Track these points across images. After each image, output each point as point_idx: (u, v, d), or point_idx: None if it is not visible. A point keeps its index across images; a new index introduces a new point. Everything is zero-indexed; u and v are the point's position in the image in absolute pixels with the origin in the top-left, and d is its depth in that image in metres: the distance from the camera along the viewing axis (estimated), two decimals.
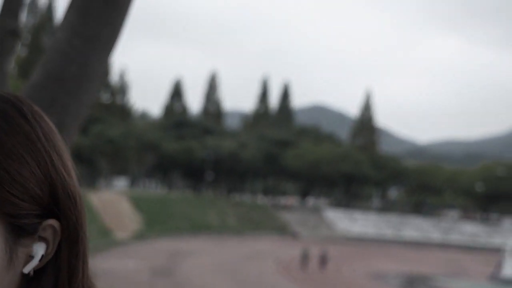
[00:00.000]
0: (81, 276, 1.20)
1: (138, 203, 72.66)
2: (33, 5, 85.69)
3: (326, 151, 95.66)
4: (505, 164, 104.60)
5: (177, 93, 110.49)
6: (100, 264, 37.25)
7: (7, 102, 1.18)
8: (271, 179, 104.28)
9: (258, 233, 77.19)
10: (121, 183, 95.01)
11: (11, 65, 3.47)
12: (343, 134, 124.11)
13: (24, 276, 1.16)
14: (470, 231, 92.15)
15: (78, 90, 2.78)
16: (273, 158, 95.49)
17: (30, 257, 1.16)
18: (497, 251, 66.89)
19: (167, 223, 70.61)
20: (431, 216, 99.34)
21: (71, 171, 1.23)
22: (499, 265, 54.03)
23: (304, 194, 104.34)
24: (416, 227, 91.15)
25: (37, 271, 1.17)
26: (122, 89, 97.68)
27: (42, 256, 1.17)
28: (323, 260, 50.89)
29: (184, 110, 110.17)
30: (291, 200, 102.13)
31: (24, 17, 79.92)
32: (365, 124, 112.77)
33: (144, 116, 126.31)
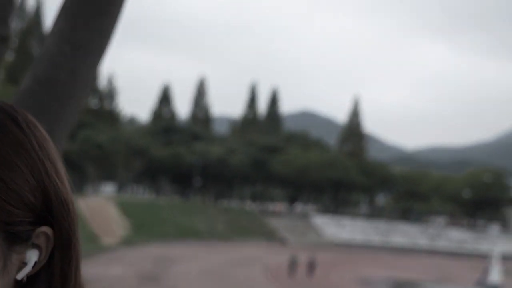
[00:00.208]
0: (74, 282, 1.23)
1: (125, 209, 72.42)
2: (21, 9, 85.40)
3: (314, 157, 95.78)
4: (492, 171, 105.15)
5: (165, 98, 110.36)
6: (87, 270, 36.96)
7: (2, 111, 1.21)
8: (259, 185, 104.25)
9: (246, 239, 77.10)
10: (108, 188, 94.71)
11: (0, 71, 3.47)
12: (331, 140, 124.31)
13: (18, 283, 1.18)
14: (457, 237, 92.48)
15: (68, 97, 2.79)
16: (261, 164, 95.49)
17: (24, 264, 1.19)
18: (484, 258, 67.14)
19: (155, 228, 70.40)
20: (419, 223, 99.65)
21: (64, 179, 1.25)
22: (485, 271, 54.20)
23: (292, 200, 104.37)
24: (403, 233, 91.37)
25: (30, 277, 1.19)
26: (110, 94, 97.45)
27: (35, 262, 1.19)
28: (311, 266, 50.88)
29: (172, 115, 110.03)
30: (279, 206, 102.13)
31: (12, 21, 79.58)
32: (353, 131, 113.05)
33: (132, 121, 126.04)
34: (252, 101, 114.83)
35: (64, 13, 2.81)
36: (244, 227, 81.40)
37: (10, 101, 3.12)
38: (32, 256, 1.19)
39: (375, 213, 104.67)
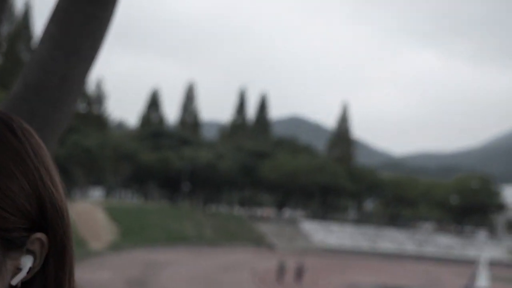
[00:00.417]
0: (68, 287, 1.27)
1: (113, 214, 72.16)
2: (9, 13, 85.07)
3: (303, 162, 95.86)
4: (479, 177, 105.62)
5: (154, 103, 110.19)
6: (75, 275, 36.87)
7: None
8: (248, 190, 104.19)
9: (235, 244, 77.02)
10: (96, 193, 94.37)
11: None
12: (320, 145, 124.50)
13: None
14: (444, 243, 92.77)
15: (58, 102, 2.79)
16: (250, 169, 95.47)
17: (18, 269, 1.22)
18: (471, 263, 67.34)
19: (143, 233, 70.19)
20: (407, 228, 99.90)
21: (59, 186, 1.29)
22: (473, 277, 54.36)
23: (280, 205, 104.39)
24: (391, 239, 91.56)
25: (25, 282, 1.23)
26: (98, 98, 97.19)
27: (30, 268, 1.23)
28: (299, 272, 50.88)
29: (161, 120, 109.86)
30: (268, 212, 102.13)
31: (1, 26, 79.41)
32: (341, 136, 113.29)
33: (120, 126, 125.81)
34: (241, 106, 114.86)
35: (55, 19, 2.81)
36: (233, 232, 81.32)
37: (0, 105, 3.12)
38: (27, 262, 1.22)
39: (363, 219, 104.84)
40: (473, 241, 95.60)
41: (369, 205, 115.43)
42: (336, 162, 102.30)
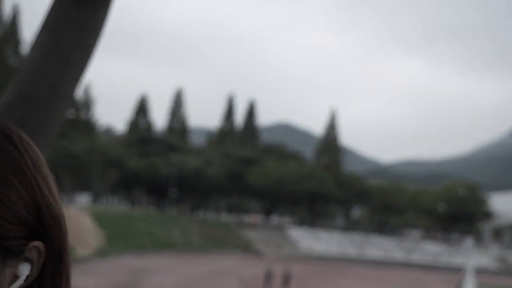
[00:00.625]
0: None
1: (100, 220, 71.87)
2: None
3: (291, 169, 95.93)
4: (466, 185, 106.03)
5: (142, 109, 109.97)
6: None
7: None
8: (236, 197, 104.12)
9: (222, 251, 76.90)
10: (83, 199, 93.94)
11: None
12: (308, 152, 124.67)
13: None
14: (432, 250, 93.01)
15: (49, 110, 2.78)
16: (238, 176, 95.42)
17: (16, 277, 1.26)
18: (458, 271, 67.55)
19: (129, 240, 69.93)
20: (394, 236, 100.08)
21: (56, 194, 1.34)
22: (459, 285, 54.52)
23: (268, 212, 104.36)
24: (379, 246, 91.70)
25: None
26: (86, 104, 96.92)
27: (27, 276, 1.26)
28: (287, 279, 50.83)
29: (148, 126, 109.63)
30: (255, 218, 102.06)
31: None
32: (329, 143, 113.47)
33: (108, 131, 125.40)
34: (229, 112, 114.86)
35: (47, 27, 2.80)
36: (220, 239, 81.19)
37: None
38: (24, 270, 1.25)
39: (351, 226, 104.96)
40: (460, 248, 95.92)
41: (357, 212, 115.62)
42: (324, 169, 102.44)
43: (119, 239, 68.29)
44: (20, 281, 1.25)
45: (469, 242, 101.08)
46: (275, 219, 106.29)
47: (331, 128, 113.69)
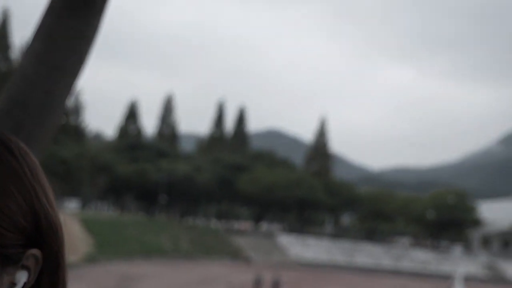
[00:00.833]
0: None
1: (89, 226, 71.63)
2: None
3: (281, 176, 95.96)
4: (455, 192, 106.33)
5: (132, 115, 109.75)
6: None
7: None
8: (225, 203, 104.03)
9: (211, 257, 76.77)
10: (72, 205, 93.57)
11: None
12: (298, 159, 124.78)
13: None
14: (420, 258, 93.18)
15: (43, 117, 2.78)
16: (228, 182, 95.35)
17: (13, 284, 1.28)
18: (446, 278, 67.74)
19: (119, 246, 69.70)
20: (383, 243, 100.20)
21: (53, 203, 1.37)
22: None
23: (257, 219, 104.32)
24: (368, 254, 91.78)
25: None
26: (76, 109, 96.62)
27: (25, 283, 1.29)
28: (276, 286, 50.80)
29: (138, 132, 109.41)
30: (245, 225, 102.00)
31: None
32: (319, 150, 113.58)
33: (98, 137, 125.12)
34: (219, 119, 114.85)
35: (40, 34, 2.81)
36: (209, 245, 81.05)
37: None
38: (22, 277, 1.28)
39: (340, 233, 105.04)
40: (448, 256, 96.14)
41: (346, 219, 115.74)
42: (313, 176, 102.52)
43: (108, 245, 68.06)
44: None
45: (457, 249, 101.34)
46: (264, 225, 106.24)
47: (321, 135, 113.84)
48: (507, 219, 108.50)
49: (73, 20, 2.81)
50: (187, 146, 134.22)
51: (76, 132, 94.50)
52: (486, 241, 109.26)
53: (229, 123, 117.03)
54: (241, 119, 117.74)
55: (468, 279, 58.98)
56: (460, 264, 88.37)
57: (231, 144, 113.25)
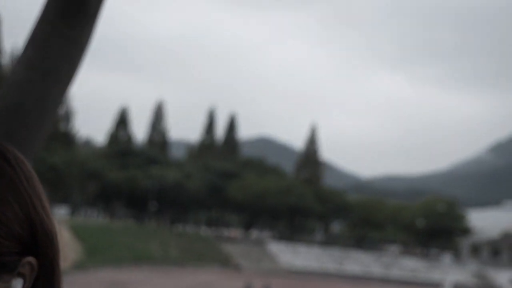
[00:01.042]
0: None
1: (78, 232, 71.36)
2: None
3: (271, 183, 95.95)
4: (445, 201, 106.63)
5: (122, 121, 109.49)
6: None
7: None
8: (215, 210, 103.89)
9: (201, 264, 76.60)
10: (61, 211, 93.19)
11: None
12: (288, 166, 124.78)
13: None
14: (410, 266, 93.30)
15: (35, 123, 2.79)
16: (218, 190, 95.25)
17: None
18: (436, 286, 67.92)
19: (108, 253, 69.45)
20: (373, 251, 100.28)
21: (49, 212, 1.40)
22: None
23: (247, 226, 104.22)
24: (358, 261, 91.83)
25: None
26: (66, 115, 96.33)
27: None
28: None
29: (129, 138, 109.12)
30: (235, 232, 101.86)
31: None
32: (309, 158, 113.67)
33: (88, 143, 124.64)
34: (210, 126, 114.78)
35: (33, 41, 2.82)
36: (199, 252, 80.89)
37: None
38: (17, 285, 1.31)
39: (330, 241, 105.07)
40: (438, 264, 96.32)
41: (336, 227, 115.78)
42: (304, 184, 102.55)
43: (97, 252, 67.81)
44: None
45: (447, 257, 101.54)
46: (254, 233, 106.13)
47: (312, 142, 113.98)
48: (497, 228, 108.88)
49: (66, 27, 2.82)
50: (177, 153, 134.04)
51: (66, 139, 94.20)
52: (476, 250, 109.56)
53: (220, 130, 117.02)
54: (231, 126, 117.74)
55: (457, 287, 59.11)
56: (450, 272, 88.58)
57: (222, 151, 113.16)
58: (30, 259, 1.32)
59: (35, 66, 2.80)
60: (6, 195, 1.32)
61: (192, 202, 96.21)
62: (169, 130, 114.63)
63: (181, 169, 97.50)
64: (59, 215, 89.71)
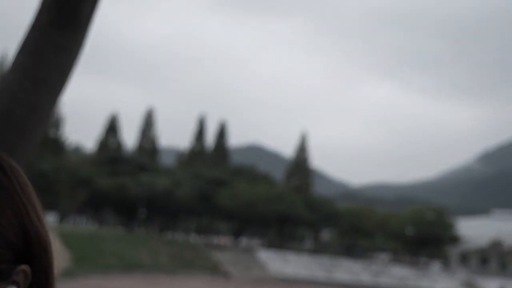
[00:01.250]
0: None
1: (67, 240, 71.05)
2: None
3: (261, 191, 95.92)
4: (434, 209, 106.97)
5: (112, 128, 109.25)
6: None
7: None
8: (205, 218, 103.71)
9: (190, 272, 76.42)
10: (50, 218, 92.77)
11: None
12: (278, 174, 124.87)
13: None
14: (399, 274, 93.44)
15: (26, 131, 2.79)
16: (208, 197, 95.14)
17: None
18: None
19: (97, 260, 69.18)
20: (362, 259, 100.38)
21: (43, 220, 1.44)
22: None
23: (237, 234, 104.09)
24: (347, 270, 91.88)
25: None
26: (56, 122, 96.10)
27: None
28: None
29: (119, 145, 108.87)
30: (224, 240, 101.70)
31: None
32: (299, 166, 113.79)
33: (77, 150, 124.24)
34: (200, 133, 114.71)
35: (25, 50, 2.82)
36: (189, 260, 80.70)
37: None
38: None
39: (319, 249, 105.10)
40: (427, 272, 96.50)
41: (326, 235, 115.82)
42: (294, 192, 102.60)
43: (86, 260, 67.54)
44: None
45: (436, 266, 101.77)
46: (244, 241, 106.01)
47: (302, 150, 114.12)
48: (485, 236, 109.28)
49: (58, 36, 2.83)
50: (167, 160, 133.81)
51: (55, 145, 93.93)
52: (464, 258, 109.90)
53: (210, 138, 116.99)
54: (221, 134, 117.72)
55: None
56: (439, 280, 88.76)
57: (212, 159, 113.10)
58: (24, 267, 1.33)
59: (27, 74, 2.80)
60: (1, 204, 1.34)
61: (181, 210, 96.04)
62: (159, 137, 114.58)
63: (171, 176, 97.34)
64: (48, 222, 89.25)
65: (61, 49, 2.82)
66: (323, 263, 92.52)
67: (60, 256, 66.31)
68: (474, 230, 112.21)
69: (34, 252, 1.36)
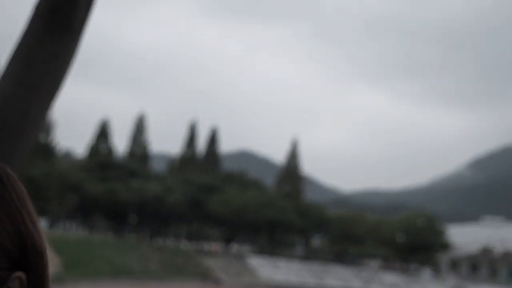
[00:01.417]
0: None
1: (57, 245, 70.71)
2: None
3: (252, 197, 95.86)
4: (425, 216, 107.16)
5: (103, 133, 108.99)
6: None
7: None
8: (196, 224, 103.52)
9: (181, 278, 76.22)
10: (40, 224, 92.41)
11: None
12: (269, 181, 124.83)
13: None
14: (390, 281, 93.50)
15: (19, 137, 2.79)
16: (198, 203, 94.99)
17: None
18: None
19: (87, 266, 68.89)
20: (353, 265, 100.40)
21: (39, 228, 1.47)
22: None
23: (228, 240, 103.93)
24: (338, 276, 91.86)
25: None
26: (46, 127, 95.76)
27: None
28: None
29: (109, 151, 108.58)
30: (215, 246, 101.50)
31: None
32: (290, 172, 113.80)
33: (68, 155, 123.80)
34: (191, 139, 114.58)
35: (18, 57, 2.82)
36: (179, 266, 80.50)
37: None
38: None
39: (310, 255, 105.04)
40: (418, 279, 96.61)
41: (317, 241, 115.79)
42: (284, 198, 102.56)
43: (75, 266, 67.25)
44: None
45: (427, 272, 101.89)
46: (235, 247, 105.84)
47: (293, 156, 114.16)
48: (476, 243, 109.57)
49: (51, 43, 2.83)
50: (158, 166, 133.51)
51: (45, 150, 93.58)
52: (455, 265, 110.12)
53: (201, 144, 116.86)
54: (213, 140, 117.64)
55: None
56: (429, 287, 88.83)
57: (203, 165, 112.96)
58: (20, 274, 1.36)
59: (20, 80, 2.80)
60: None
61: (172, 216, 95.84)
62: (150, 143, 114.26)
63: (161, 182, 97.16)
64: None
65: (54, 55, 2.83)
66: (313, 270, 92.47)
67: (49, 262, 65.99)
68: (465, 236, 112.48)
69: (29, 259, 1.38)
